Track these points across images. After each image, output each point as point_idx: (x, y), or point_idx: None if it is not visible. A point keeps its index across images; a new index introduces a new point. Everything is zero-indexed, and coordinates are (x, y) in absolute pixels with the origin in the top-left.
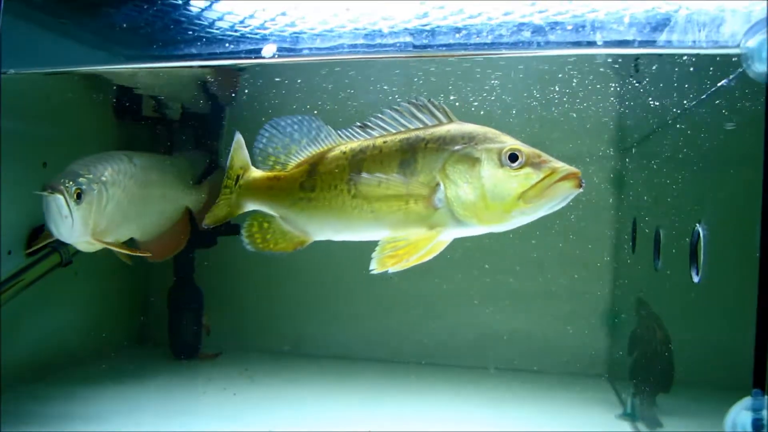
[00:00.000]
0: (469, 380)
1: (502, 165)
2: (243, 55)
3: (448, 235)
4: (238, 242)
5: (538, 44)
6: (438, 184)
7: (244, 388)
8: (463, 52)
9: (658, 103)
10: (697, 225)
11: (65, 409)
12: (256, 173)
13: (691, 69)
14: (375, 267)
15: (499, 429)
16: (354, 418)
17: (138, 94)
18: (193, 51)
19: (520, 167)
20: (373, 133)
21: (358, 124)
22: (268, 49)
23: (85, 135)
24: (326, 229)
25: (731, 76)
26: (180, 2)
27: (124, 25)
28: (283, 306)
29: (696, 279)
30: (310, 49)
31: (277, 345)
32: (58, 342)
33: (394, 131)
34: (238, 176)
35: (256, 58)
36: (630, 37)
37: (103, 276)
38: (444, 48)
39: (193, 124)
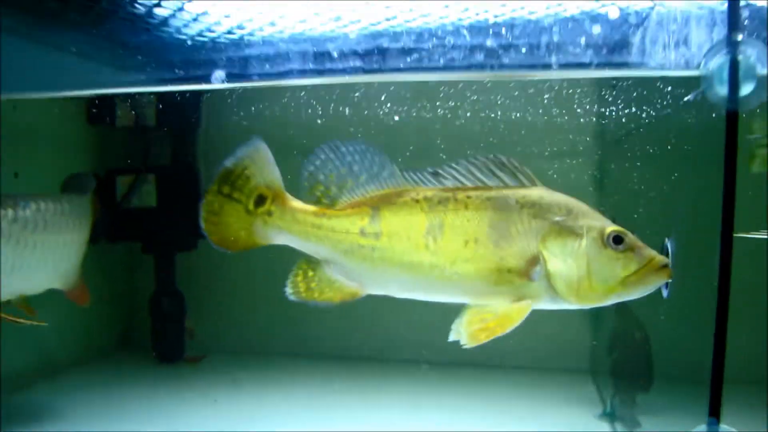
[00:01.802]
0: (448, 376)
1: (605, 245)
2: (192, 82)
3: (538, 307)
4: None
5: (492, 67)
6: (536, 256)
7: (228, 391)
8: (414, 75)
9: (633, 110)
10: (666, 240)
11: (51, 416)
12: (295, 202)
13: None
14: (467, 342)
15: (477, 427)
16: (339, 420)
17: (111, 99)
18: (142, 77)
19: (624, 251)
20: (446, 182)
21: (430, 170)
22: (217, 75)
23: (57, 142)
24: (391, 285)
25: (696, 92)
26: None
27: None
28: (268, 307)
29: (665, 294)
30: (260, 74)
31: (262, 347)
32: (42, 350)
33: (470, 185)
34: (261, 196)
35: (205, 83)
36: (587, 60)
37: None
38: (395, 72)
39: (168, 132)
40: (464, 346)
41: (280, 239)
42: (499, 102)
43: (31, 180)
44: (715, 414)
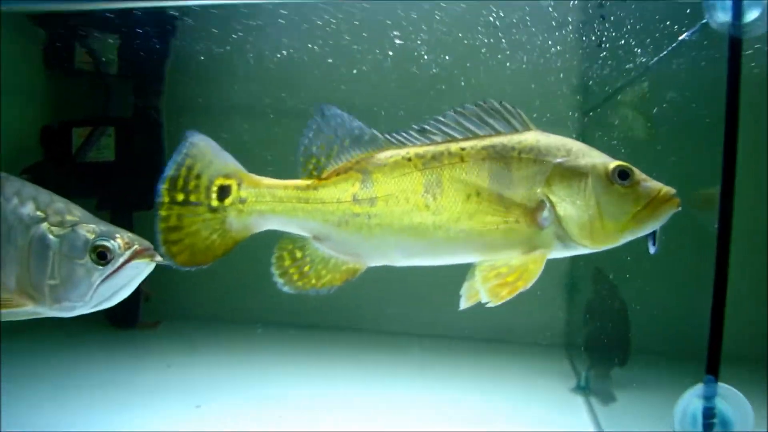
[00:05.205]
0: (427, 348)
1: (611, 182)
2: None
3: (551, 256)
4: None
5: None
6: (542, 201)
7: (182, 360)
8: None
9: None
10: None
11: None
12: (270, 181)
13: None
14: (489, 300)
15: (450, 397)
16: (298, 390)
17: (70, 40)
18: None
19: (631, 185)
20: (435, 138)
21: (416, 127)
22: None
23: (12, 89)
24: (392, 253)
25: (693, 29)
26: None
27: None
28: (230, 273)
29: (652, 250)
30: None
31: (220, 313)
32: None
33: (460, 137)
34: (222, 188)
35: None
36: None
37: None
38: None
39: (131, 81)
40: (488, 305)
41: (262, 225)
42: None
43: None
44: (713, 371)
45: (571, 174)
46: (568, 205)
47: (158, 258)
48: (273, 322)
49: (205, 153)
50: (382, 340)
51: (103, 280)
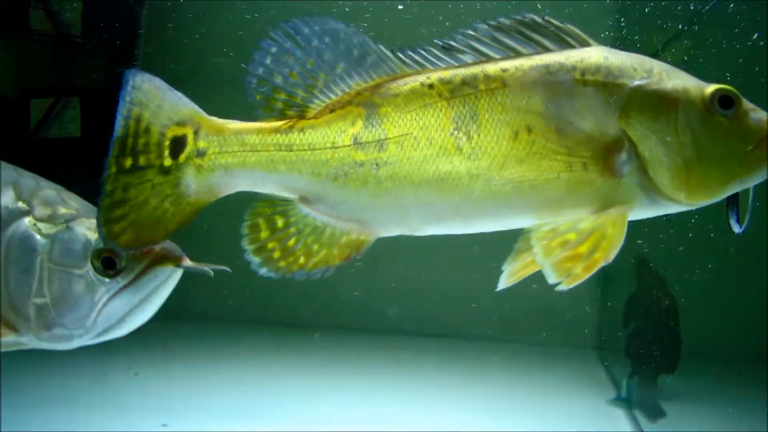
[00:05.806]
0: (439, 349)
1: (711, 112)
2: None
3: (634, 216)
4: None
5: None
6: (619, 139)
7: (152, 366)
8: None
9: None
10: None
11: None
12: (238, 124)
13: None
14: (562, 281)
15: (465, 408)
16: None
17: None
18: None
19: (736, 117)
20: (464, 58)
21: (439, 43)
22: None
23: None
24: (411, 216)
25: None
26: None
27: None
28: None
29: (737, 228)
30: None
31: (210, 311)
32: None
33: (498, 56)
34: (176, 140)
35: None
36: None
37: None
38: None
39: (98, 43)
40: (558, 288)
41: (230, 184)
42: None
43: None
44: None
45: (656, 101)
46: (655, 144)
47: (187, 262)
48: (266, 321)
49: (151, 97)
50: (391, 341)
51: (111, 298)
